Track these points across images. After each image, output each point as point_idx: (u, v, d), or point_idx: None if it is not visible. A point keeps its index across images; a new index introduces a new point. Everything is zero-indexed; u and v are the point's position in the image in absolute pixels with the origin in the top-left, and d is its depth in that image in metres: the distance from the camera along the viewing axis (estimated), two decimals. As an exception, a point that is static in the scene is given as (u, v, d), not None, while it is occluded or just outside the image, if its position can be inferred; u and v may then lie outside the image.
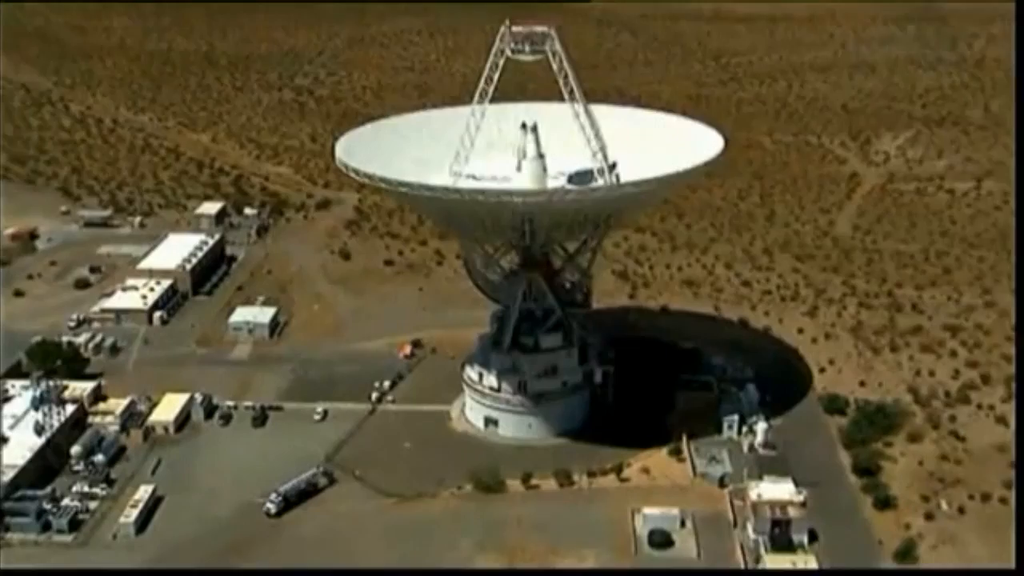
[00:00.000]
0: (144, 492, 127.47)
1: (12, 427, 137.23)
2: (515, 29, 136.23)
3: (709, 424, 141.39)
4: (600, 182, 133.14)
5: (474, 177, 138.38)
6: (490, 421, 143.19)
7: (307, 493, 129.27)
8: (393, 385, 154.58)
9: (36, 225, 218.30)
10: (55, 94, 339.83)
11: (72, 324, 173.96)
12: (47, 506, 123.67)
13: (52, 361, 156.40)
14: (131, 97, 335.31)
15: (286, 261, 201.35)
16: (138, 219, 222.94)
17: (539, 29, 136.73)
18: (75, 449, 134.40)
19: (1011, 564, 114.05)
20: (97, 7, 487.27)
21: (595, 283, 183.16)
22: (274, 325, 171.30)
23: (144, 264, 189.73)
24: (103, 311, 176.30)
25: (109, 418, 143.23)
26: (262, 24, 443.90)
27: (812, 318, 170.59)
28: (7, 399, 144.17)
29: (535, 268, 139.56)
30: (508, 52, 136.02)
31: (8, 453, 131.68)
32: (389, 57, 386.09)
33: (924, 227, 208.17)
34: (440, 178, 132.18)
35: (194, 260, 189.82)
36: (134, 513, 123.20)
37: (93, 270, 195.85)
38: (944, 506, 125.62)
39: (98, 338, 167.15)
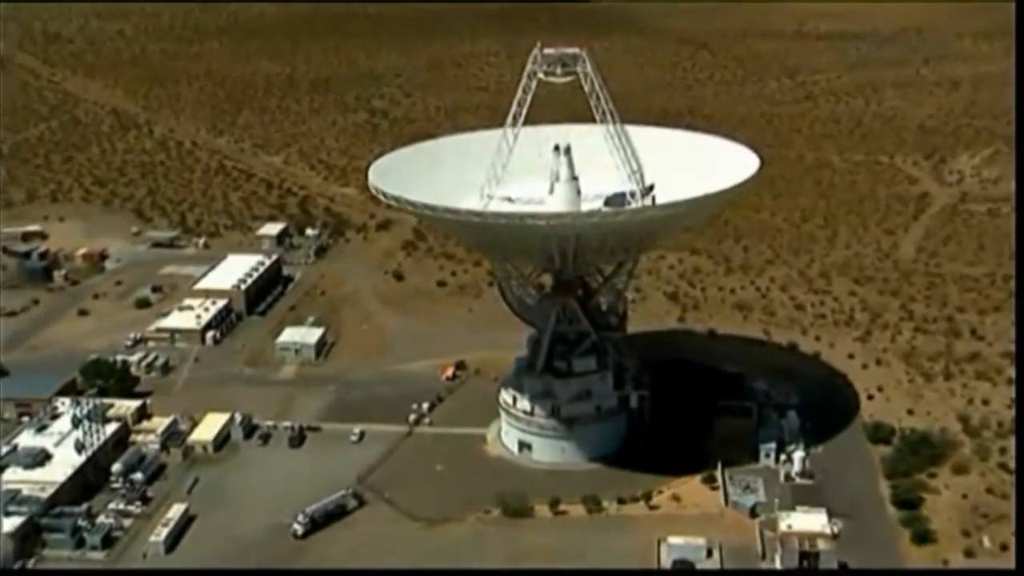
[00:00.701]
0: (177, 511, 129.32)
1: (57, 444, 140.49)
2: (547, 51, 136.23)
3: (747, 451, 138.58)
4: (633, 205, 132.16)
5: (510, 200, 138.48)
6: (524, 445, 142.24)
7: (335, 515, 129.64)
8: (432, 407, 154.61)
9: (106, 246, 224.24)
10: (141, 118, 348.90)
11: (129, 343, 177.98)
12: (82, 523, 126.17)
13: (104, 380, 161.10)
14: (212, 120, 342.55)
15: (341, 281, 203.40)
16: (203, 240, 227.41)
17: (571, 51, 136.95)
18: (116, 467, 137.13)
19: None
20: (189, 33, 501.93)
21: (645, 305, 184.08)
22: (321, 346, 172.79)
23: (201, 284, 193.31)
24: (158, 330, 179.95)
25: (151, 437, 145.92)
26: (345, 47, 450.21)
27: (864, 343, 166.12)
28: (56, 416, 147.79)
29: (568, 291, 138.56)
30: (541, 74, 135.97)
31: (50, 470, 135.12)
32: (465, 78, 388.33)
33: (993, 249, 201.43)
34: (473, 200, 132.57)
35: (249, 280, 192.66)
36: (164, 532, 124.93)
37: (155, 290, 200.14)
38: (986, 542, 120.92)
39: (151, 357, 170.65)
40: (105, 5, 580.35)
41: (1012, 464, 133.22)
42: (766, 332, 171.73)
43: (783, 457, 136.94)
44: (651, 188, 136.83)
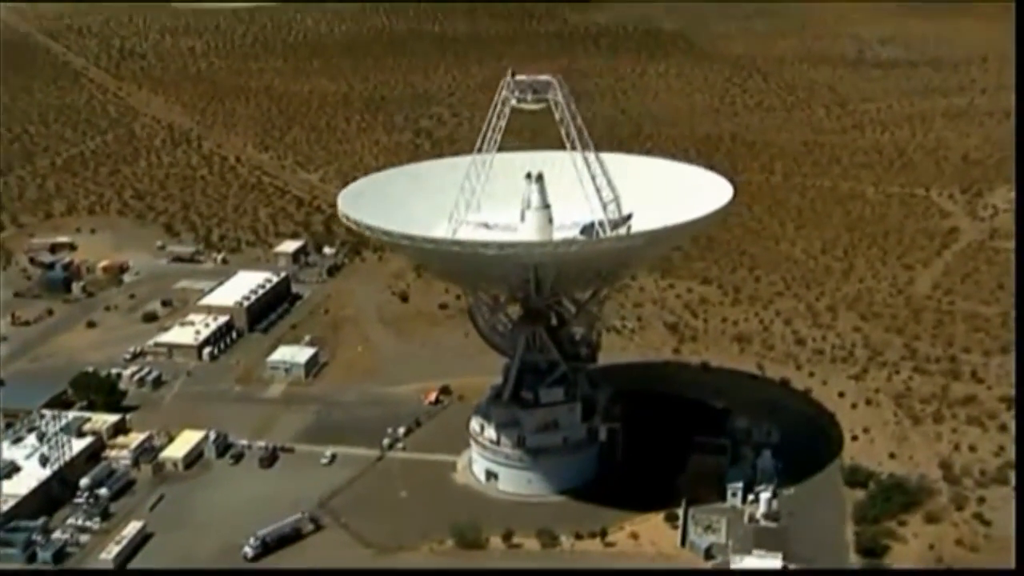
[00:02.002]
0: (132, 528, 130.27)
1: (28, 457, 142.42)
2: (519, 78, 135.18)
3: (716, 490, 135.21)
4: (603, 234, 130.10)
5: (487, 225, 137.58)
6: (491, 475, 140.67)
7: (289, 538, 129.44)
8: (408, 432, 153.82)
9: (127, 259, 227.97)
10: (194, 133, 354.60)
11: (128, 356, 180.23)
12: (36, 537, 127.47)
13: (92, 393, 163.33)
14: (260, 136, 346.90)
15: (346, 301, 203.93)
16: (221, 255, 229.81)
17: (542, 78, 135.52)
18: (83, 481, 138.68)
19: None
20: (256, 50, 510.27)
21: (644, 335, 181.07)
22: (311, 365, 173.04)
23: (206, 300, 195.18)
24: (157, 345, 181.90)
25: (124, 452, 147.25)
26: (403, 67, 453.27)
27: (859, 381, 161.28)
28: (33, 428, 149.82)
29: (537, 319, 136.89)
30: (513, 101, 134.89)
31: (15, 483, 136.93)
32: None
33: (1011, 288, 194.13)
34: (442, 228, 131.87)
35: (253, 297, 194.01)
36: (116, 549, 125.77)
37: (164, 304, 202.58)
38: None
39: (143, 371, 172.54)
40: (181, 22, 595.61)
41: (988, 515, 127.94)
42: (760, 367, 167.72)
43: (751, 497, 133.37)
44: (629, 217, 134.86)
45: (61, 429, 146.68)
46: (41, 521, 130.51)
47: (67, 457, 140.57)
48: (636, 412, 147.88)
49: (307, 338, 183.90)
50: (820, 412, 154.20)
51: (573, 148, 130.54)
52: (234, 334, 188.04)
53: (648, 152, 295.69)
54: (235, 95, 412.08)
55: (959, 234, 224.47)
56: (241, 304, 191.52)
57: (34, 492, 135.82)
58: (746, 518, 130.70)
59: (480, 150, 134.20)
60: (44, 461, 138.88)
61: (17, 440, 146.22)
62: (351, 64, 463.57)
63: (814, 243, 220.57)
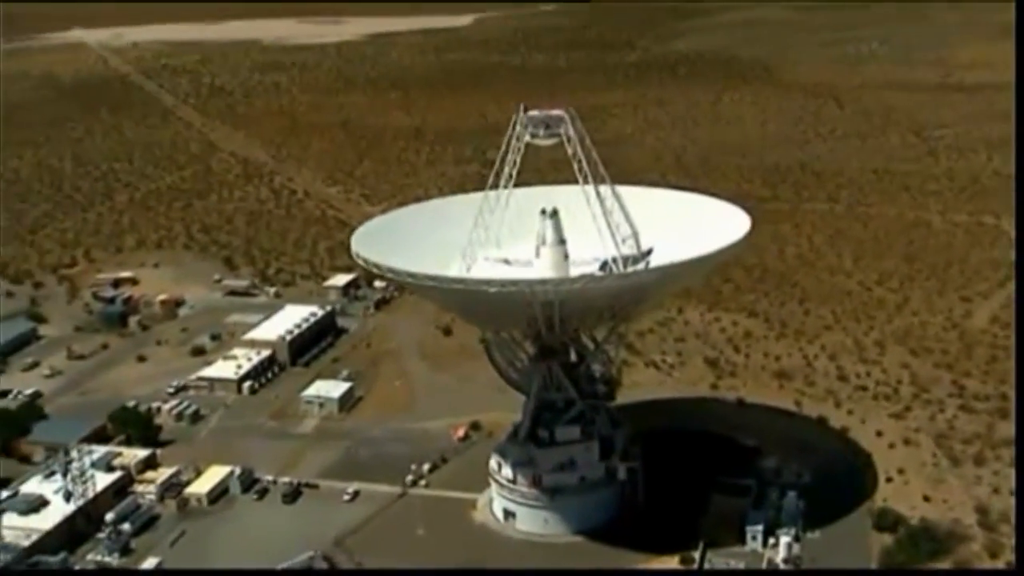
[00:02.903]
0: (150, 563, 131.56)
1: (57, 491, 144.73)
2: (531, 113, 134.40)
3: (736, 532, 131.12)
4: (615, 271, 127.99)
5: (507, 261, 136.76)
6: (509, 514, 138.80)
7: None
8: (433, 468, 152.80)
9: (183, 293, 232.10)
10: (267, 168, 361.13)
11: (171, 390, 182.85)
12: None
13: (128, 427, 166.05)
14: (331, 170, 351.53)
15: (390, 334, 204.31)
16: (274, 289, 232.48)
17: (555, 113, 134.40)
18: (108, 516, 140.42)
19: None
20: (339, 85, 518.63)
21: (684, 371, 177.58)
22: (344, 400, 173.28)
23: (251, 334, 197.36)
24: (199, 379, 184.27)
25: (151, 487, 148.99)
26: (478, 99, 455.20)
27: (899, 420, 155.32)
28: (67, 463, 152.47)
29: (551, 356, 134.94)
30: (528, 137, 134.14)
31: (42, 518, 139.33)
32: (588, 130, 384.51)
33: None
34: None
35: (296, 332, 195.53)
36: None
37: (213, 338, 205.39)
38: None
39: (182, 406, 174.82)
40: (270, 58, 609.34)
41: None
42: (797, 403, 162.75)
43: (772, 540, 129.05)
44: (649, 252, 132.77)
45: (92, 464, 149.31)
46: (60, 556, 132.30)
47: (91, 492, 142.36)
48: (662, 451, 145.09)
49: (345, 372, 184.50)
50: (855, 452, 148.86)
51: (586, 183, 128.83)
52: (276, 368, 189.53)
53: (710, 181, 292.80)
54: (312, 129, 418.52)
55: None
56: (283, 338, 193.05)
57: (58, 527, 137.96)
58: (764, 562, 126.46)
59: (497, 186, 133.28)
60: (68, 496, 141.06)
61: (50, 475, 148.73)
62: (427, 97, 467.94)
63: (870, 274, 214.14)
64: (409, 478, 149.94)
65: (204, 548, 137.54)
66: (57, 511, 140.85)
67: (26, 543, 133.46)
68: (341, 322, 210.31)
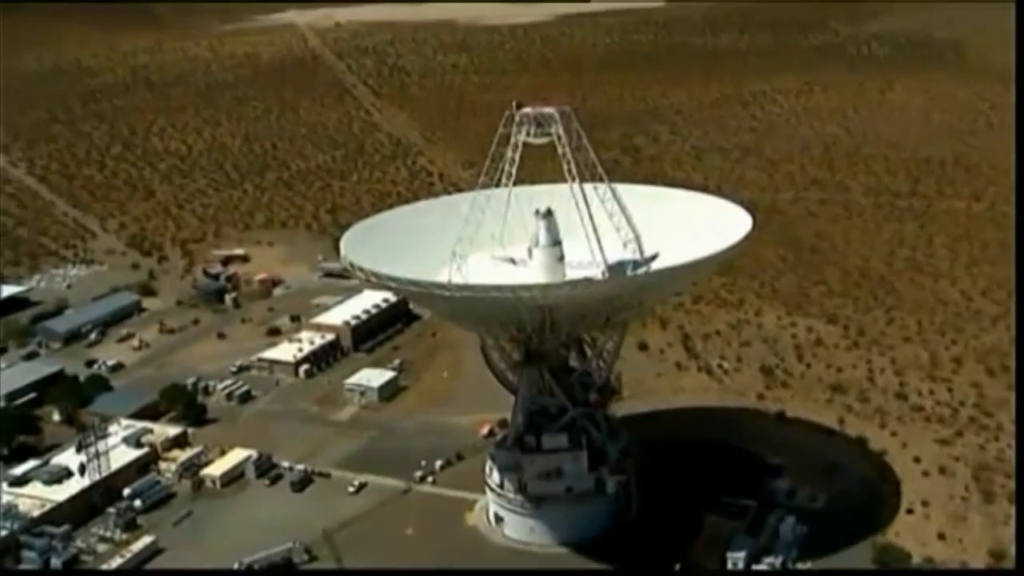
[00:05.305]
0: (145, 541, 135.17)
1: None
2: (524, 111, 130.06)
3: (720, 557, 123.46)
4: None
5: (513, 261, 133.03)
6: (499, 518, 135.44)
7: (279, 567, 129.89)
8: (446, 465, 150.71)
9: (282, 273, 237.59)
10: (415, 149, 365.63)
11: (234, 369, 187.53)
12: (54, 544, 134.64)
13: (175, 404, 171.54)
14: (471, 153, 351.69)
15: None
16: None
17: (546, 111, 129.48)
18: (126, 492, 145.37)
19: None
20: (514, 67, 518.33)
21: (736, 378, 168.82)
22: (385, 389, 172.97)
23: (319, 318, 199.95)
24: (260, 360, 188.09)
25: (172, 466, 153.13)
26: (644, 82, 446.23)
27: (944, 446, 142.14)
28: (104, 436, 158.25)
29: (540, 361, 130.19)
30: (523, 136, 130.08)
31: (61, 489, 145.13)
32: (742, 116, 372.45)
33: None
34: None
35: (363, 316, 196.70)
36: (118, 562, 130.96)
37: (293, 319, 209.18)
38: None
39: (235, 386, 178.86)
40: (457, 38, 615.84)
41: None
42: (841, 421, 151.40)
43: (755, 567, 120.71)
44: (653, 257, 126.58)
45: (123, 440, 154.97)
46: (63, 528, 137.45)
47: (106, 466, 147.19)
48: (673, 464, 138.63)
49: (395, 362, 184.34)
50: (885, 477, 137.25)
51: (582, 182, 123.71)
52: (338, 353, 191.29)
53: (849, 174, 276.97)
54: (473, 111, 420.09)
55: None
56: (348, 323, 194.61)
57: (72, 499, 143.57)
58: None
59: (498, 184, 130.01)
60: (82, 470, 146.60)
61: (79, 448, 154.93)
62: (593, 79, 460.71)
63: (978, 283, 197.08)
64: (418, 474, 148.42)
65: (204, 529, 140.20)
66: (76, 484, 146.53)
67: (37, 513, 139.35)
68: (417, 309, 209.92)
